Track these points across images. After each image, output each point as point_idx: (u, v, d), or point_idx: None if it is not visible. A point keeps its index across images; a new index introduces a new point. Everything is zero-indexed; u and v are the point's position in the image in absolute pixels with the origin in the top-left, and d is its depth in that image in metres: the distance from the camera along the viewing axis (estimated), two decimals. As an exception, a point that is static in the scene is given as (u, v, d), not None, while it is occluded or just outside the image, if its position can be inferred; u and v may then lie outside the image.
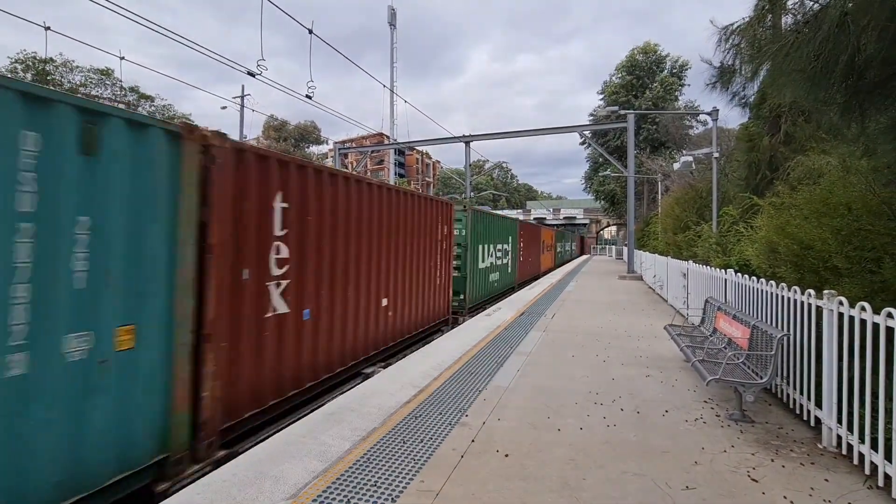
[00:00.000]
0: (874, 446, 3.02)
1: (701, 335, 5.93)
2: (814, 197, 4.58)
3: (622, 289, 15.51)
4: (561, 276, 20.52)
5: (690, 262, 9.37)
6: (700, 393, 4.80)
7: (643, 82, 36.10)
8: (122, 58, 13.38)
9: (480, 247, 12.35)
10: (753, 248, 6.17)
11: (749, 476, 3.09)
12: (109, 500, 3.02)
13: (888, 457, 2.89)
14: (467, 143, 26.77)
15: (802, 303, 4.04)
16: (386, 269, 6.86)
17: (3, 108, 2.44)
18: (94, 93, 27.25)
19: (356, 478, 3.02)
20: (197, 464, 3.56)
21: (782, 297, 4.45)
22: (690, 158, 16.74)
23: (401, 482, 2.97)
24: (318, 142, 56.14)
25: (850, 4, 2.81)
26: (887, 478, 2.88)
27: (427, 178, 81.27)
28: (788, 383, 4.37)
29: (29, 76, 25.65)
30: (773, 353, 4.02)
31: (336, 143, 41.19)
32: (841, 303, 3.42)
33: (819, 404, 3.76)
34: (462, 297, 11.11)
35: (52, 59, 26.11)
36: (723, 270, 6.68)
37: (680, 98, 35.98)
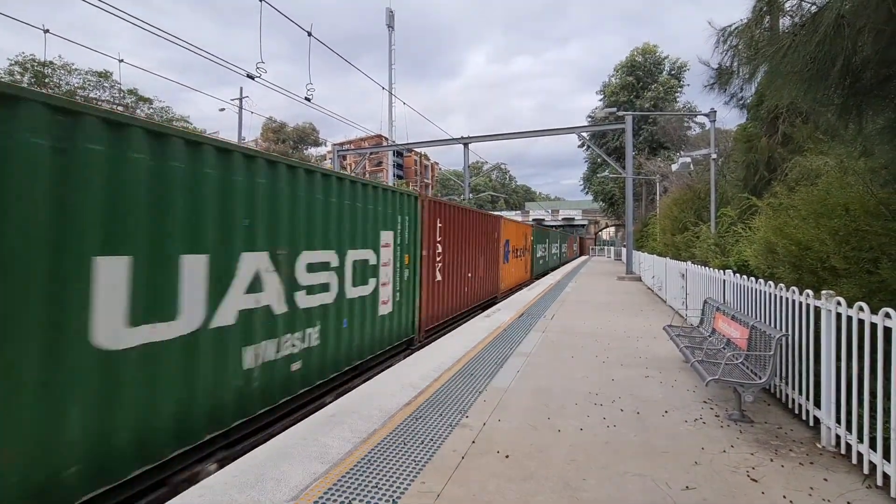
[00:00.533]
0: (873, 446, 3.03)
1: (700, 336, 5.94)
2: (811, 198, 4.60)
3: (621, 289, 15.53)
4: (559, 277, 20.54)
5: (689, 262, 9.39)
6: (699, 393, 4.81)
7: (643, 83, 36.23)
8: (122, 60, 13.38)
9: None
10: (752, 248, 6.19)
11: (749, 476, 3.11)
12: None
13: (886, 456, 2.91)
14: (466, 145, 26.81)
15: (801, 303, 4.06)
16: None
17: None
18: (92, 95, 27.22)
19: (357, 479, 3.02)
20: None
21: (781, 297, 4.47)
22: (689, 159, 16.78)
23: (402, 483, 2.97)
24: (317, 143, 56.14)
25: (847, 7, 2.83)
26: (886, 477, 2.90)
27: (426, 180, 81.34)
28: (787, 383, 4.39)
29: (26, 79, 25.62)
30: (771, 353, 4.04)
31: (334, 144, 41.23)
32: (839, 303, 3.44)
33: (818, 404, 3.78)
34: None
35: (50, 62, 26.09)
36: (721, 271, 6.70)
37: (679, 99, 36.12)
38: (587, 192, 44.34)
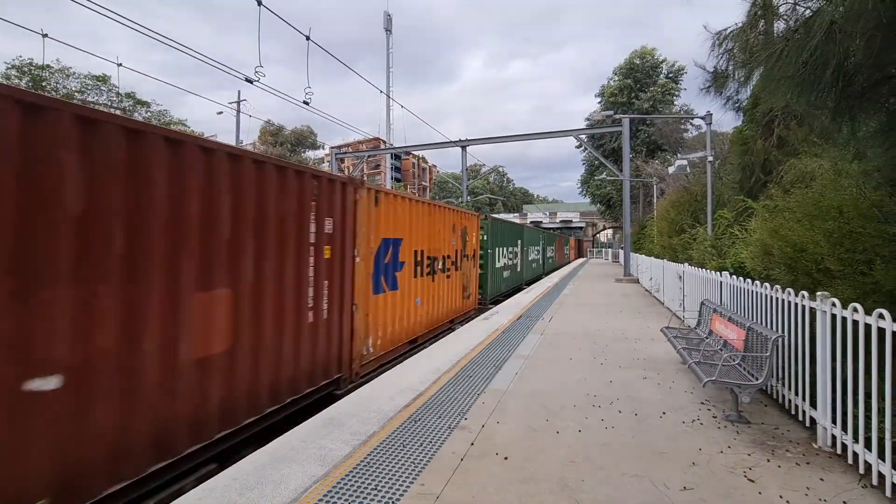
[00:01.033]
0: (868, 446, 3.06)
1: (697, 337, 5.97)
2: (806, 200, 4.65)
3: (619, 292, 15.58)
4: (557, 279, 20.59)
5: (686, 264, 9.43)
6: (697, 394, 4.84)
7: (641, 85, 36.43)
8: (120, 64, 13.40)
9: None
10: (748, 250, 6.23)
11: (746, 476, 3.13)
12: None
13: (882, 456, 2.93)
14: (463, 148, 26.89)
15: (796, 304, 4.09)
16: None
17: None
18: (90, 99, 27.20)
19: (357, 482, 3.03)
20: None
21: (776, 298, 4.51)
22: (685, 162, 16.85)
23: (401, 486, 2.99)
24: (315, 146, 56.14)
25: (839, 13, 2.88)
26: (881, 477, 2.92)
27: (423, 183, 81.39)
28: (783, 384, 4.42)
29: (24, 82, 25.59)
30: (767, 354, 4.07)
31: (332, 147, 41.22)
32: (833, 304, 3.47)
33: (814, 405, 3.81)
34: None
35: (48, 66, 26.07)
36: (718, 273, 6.74)
37: (676, 102, 36.33)
38: (584, 195, 44.47)
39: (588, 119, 38.94)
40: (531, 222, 59.06)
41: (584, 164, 41.78)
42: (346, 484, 3.00)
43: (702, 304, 6.62)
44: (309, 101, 11.51)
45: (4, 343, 2.52)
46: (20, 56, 26.30)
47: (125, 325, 3.13)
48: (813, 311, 3.81)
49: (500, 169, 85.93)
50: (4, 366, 2.52)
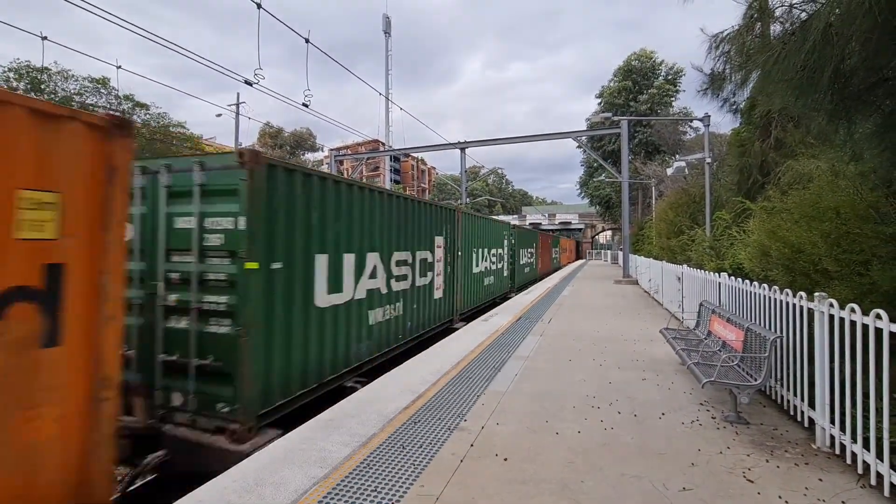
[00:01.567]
0: (866, 446, 3.07)
1: (696, 338, 5.99)
2: (804, 201, 4.67)
3: (618, 293, 15.60)
4: (556, 281, 20.59)
5: (685, 265, 9.46)
6: (696, 395, 4.85)
7: (639, 87, 36.57)
8: (119, 67, 13.41)
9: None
10: (746, 251, 6.25)
11: (745, 477, 3.14)
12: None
13: (880, 456, 2.95)
14: (463, 150, 26.92)
15: (794, 305, 4.11)
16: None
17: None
18: (89, 101, 27.19)
19: (357, 483, 3.03)
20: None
21: (775, 299, 4.52)
22: (684, 163, 16.91)
23: (401, 487, 2.99)
24: (314, 149, 56.18)
25: (835, 16, 2.90)
26: (879, 477, 2.94)
27: (423, 185, 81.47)
28: (782, 385, 4.43)
29: (22, 85, 25.59)
30: (766, 355, 4.08)
31: (332, 149, 41.27)
32: (831, 305, 3.49)
33: (812, 405, 3.82)
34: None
35: (46, 69, 26.06)
36: (717, 274, 6.76)
37: (674, 104, 36.46)
38: (583, 197, 44.57)
39: (587, 120, 39.08)
40: (530, 224, 59.09)
41: (583, 165, 41.94)
42: (346, 485, 3.00)
43: (700, 305, 6.64)
44: (308, 103, 11.53)
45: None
46: (17, 58, 26.31)
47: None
48: (811, 312, 3.83)
49: (499, 171, 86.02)
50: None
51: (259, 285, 4.35)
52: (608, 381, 5.41)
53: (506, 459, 3.39)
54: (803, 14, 4.17)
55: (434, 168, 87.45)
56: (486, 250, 13.50)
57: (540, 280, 22.61)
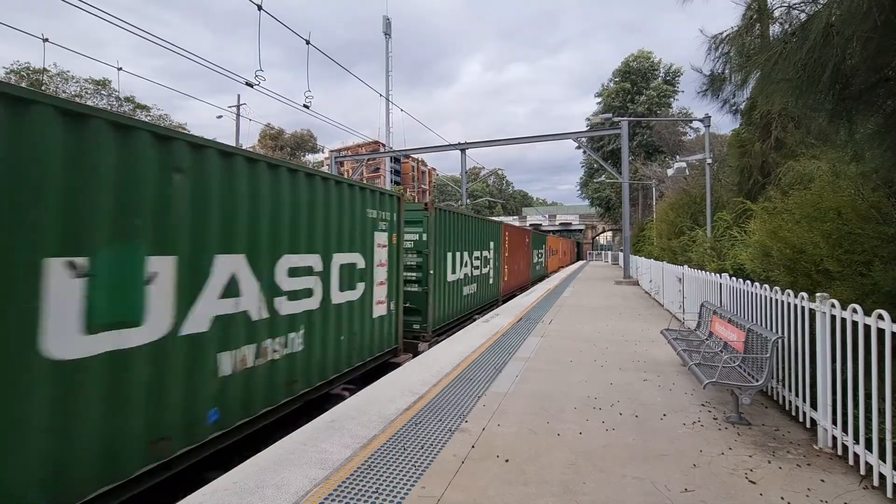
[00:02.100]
0: (869, 447, 3.07)
1: (697, 339, 5.98)
2: (805, 202, 4.66)
3: (618, 294, 15.58)
4: (557, 282, 20.58)
5: (686, 266, 9.45)
6: (697, 396, 4.84)
7: (638, 87, 36.58)
8: (120, 68, 13.43)
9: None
10: (747, 252, 6.24)
11: (747, 478, 3.13)
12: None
13: (882, 457, 2.94)
14: (463, 151, 26.94)
15: (796, 306, 4.10)
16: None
17: None
18: (89, 103, 27.25)
19: (358, 485, 3.03)
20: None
21: (776, 300, 4.52)
22: (684, 164, 16.90)
23: (402, 488, 2.98)
24: (314, 150, 56.25)
25: (836, 16, 2.90)
26: (882, 478, 2.93)
27: (423, 186, 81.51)
28: (784, 385, 4.42)
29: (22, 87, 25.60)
30: (767, 355, 4.08)
31: (332, 151, 41.29)
32: (833, 305, 3.48)
33: (814, 406, 3.81)
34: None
35: (46, 70, 26.12)
36: (718, 275, 6.75)
37: (673, 104, 36.46)
38: (584, 198, 44.56)
39: (587, 121, 39.09)
40: (531, 225, 59.10)
41: (583, 166, 41.93)
42: (347, 487, 3.00)
43: (702, 305, 6.63)
44: (309, 104, 11.54)
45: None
46: (17, 61, 26.38)
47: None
48: (812, 313, 3.82)
49: (500, 172, 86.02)
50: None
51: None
52: (609, 382, 5.40)
53: (507, 461, 3.38)
54: (802, 15, 4.17)
55: (434, 169, 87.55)
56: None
57: (503, 302, 14.47)
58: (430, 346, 8.52)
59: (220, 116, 28.18)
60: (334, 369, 5.70)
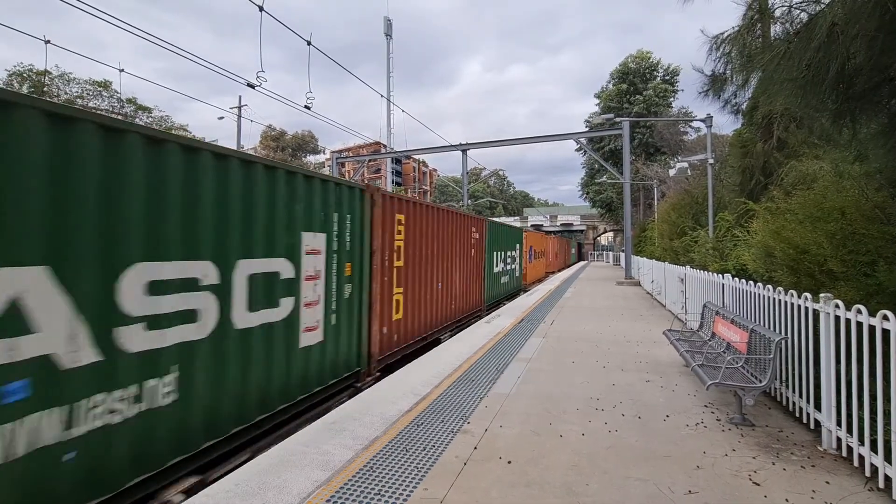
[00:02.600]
0: (874, 448, 3.05)
1: (700, 340, 5.96)
2: (808, 202, 4.65)
3: (620, 294, 15.55)
4: (558, 282, 20.56)
5: (688, 267, 9.43)
6: (700, 397, 4.82)
7: (637, 88, 36.52)
8: (122, 70, 13.46)
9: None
10: (750, 252, 6.22)
11: (751, 479, 3.11)
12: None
13: (888, 458, 2.92)
14: (464, 152, 26.93)
15: (799, 306, 4.08)
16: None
17: None
18: (91, 105, 27.30)
19: (360, 487, 3.02)
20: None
21: (779, 300, 4.50)
22: (686, 164, 16.88)
23: (404, 490, 2.97)
24: (316, 151, 56.30)
25: (840, 15, 2.89)
26: (888, 479, 2.91)
27: (424, 187, 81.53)
28: (787, 386, 4.40)
29: (25, 88, 25.70)
30: (771, 356, 4.06)
31: (333, 152, 41.33)
32: (837, 306, 3.46)
33: (818, 407, 3.79)
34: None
35: (48, 72, 26.19)
36: (720, 275, 6.73)
37: (673, 104, 36.39)
38: (585, 199, 44.50)
39: (588, 121, 39.06)
40: (532, 225, 59.07)
41: (583, 167, 41.84)
42: (349, 489, 2.98)
43: (704, 306, 6.60)
44: (310, 105, 11.55)
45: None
46: (20, 63, 26.47)
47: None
48: (816, 313, 3.80)
49: (501, 172, 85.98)
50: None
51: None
52: (611, 383, 5.38)
53: (510, 462, 3.37)
54: (803, 15, 4.16)
55: (435, 170, 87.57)
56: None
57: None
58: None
59: (221, 118, 28.24)
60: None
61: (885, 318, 2.93)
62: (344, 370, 5.82)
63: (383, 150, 44.54)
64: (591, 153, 29.75)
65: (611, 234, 63.58)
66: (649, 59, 37.20)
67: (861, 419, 3.17)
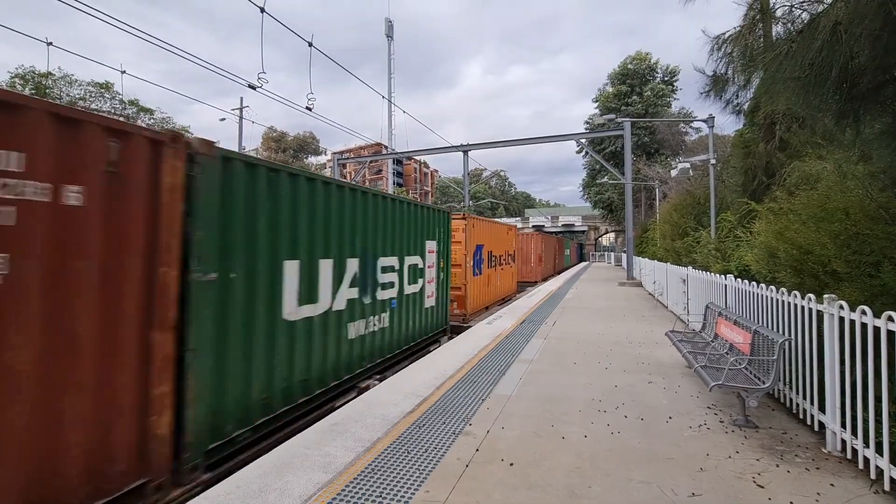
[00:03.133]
0: (879, 450, 3.02)
1: (702, 341, 5.93)
2: (811, 202, 4.62)
3: (622, 295, 15.52)
4: (560, 283, 20.52)
5: (690, 267, 9.40)
6: (703, 399, 4.80)
7: (635, 90, 36.47)
8: (124, 72, 13.48)
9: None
10: (752, 253, 6.20)
11: (755, 482, 3.09)
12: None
13: (894, 461, 2.89)
14: (465, 153, 26.93)
15: (803, 307, 4.06)
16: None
17: None
18: (93, 106, 27.39)
19: (361, 489, 3.00)
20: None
21: (783, 301, 4.47)
22: (688, 165, 16.84)
23: (406, 492, 2.95)
24: (317, 152, 56.42)
25: (843, 14, 2.87)
26: (893, 482, 2.88)
27: (425, 188, 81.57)
28: (791, 388, 4.38)
29: (28, 90, 25.79)
30: (774, 357, 4.03)
31: (334, 153, 41.41)
32: (841, 307, 3.44)
33: (822, 408, 3.76)
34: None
35: (51, 74, 26.28)
36: (723, 276, 6.71)
37: (673, 105, 36.32)
38: (586, 199, 44.45)
39: (588, 122, 39.02)
40: (533, 226, 59.03)
41: (585, 168, 41.79)
42: (350, 491, 2.97)
43: (707, 307, 6.58)
44: (312, 106, 11.56)
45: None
46: (22, 65, 26.56)
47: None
48: (820, 314, 3.77)
49: (502, 173, 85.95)
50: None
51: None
52: (614, 384, 5.36)
53: (512, 464, 3.35)
54: (805, 14, 4.14)
55: (437, 171, 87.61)
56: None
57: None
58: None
59: (223, 119, 28.30)
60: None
61: (891, 319, 2.91)
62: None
63: (384, 151, 44.58)
64: (591, 154, 29.73)
65: (612, 235, 63.55)
66: (648, 60, 37.14)
67: (866, 421, 3.14)
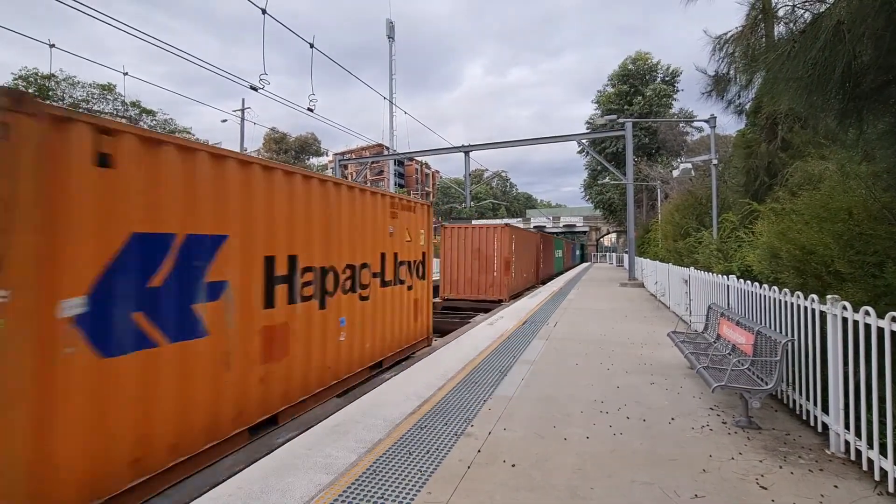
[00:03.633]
0: (883, 451, 3.01)
1: (705, 342, 5.91)
2: (814, 202, 4.61)
3: (624, 296, 15.49)
4: (561, 284, 20.50)
5: (692, 268, 9.37)
6: (705, 400, 4.78)
7: (636, 90, 36.41)
8: (126, 73, 13.53)
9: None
10: (755, 253, 6.18)
11: (758, 483, 3.07)
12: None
13: (898, 462, 2.88)
14: (467, 153, 26.92)
15: (806, 308, 4.04)
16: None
17: None
18: (95, 108, 27.48)
19: (363, 490, 3.00)
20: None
21: (786, 302, 4.45)
22: (689, 165, 16.82)
23: (408, 494, 2.95)
24: (318, 153, 56.50)
25: (846, 13, 2.86)
26: (897, 483, 2.87)
27: (426, 188, 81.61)
28: (794, 389, 4.36)
29: (30, 92, 25.86)
30: (777, 358, 4.02)
31: (336, 154, 41.48)
32: (844, 307, 3.42)
33: (826, 410, 3.74)
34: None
35: (53, 76, 26.38)
36: (725, 276, 6.69)
37: (674, 105, 36.25)
38: (588, 200, 44.41)
39: (589, 122, 38.98)
40: (534, 227, 58.99)
41: (586, 168, 41.75)
42: (352, 492, 2.97)
43: (709, 308, 6.56)
44: (313, 107, 11.58)
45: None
46: (25, 67, 26.67)
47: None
48: (823, 315, 3.76)
49: (503, 174, 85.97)
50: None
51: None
52: (616, 385, 5.34)
53: (514, 466, 3.34)
54: (807, 14, 4.13)
55: (438, 172, 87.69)
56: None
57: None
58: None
59: (224, 120, 28.36)
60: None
61: (894, 319, 2.89)
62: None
63: (386, 152, 44.59)
64: (592, 154, 29.70)
65: (614, 236, 63.45)
66: (648, 60, 37.09)
67: (870, 422, 3.13)
